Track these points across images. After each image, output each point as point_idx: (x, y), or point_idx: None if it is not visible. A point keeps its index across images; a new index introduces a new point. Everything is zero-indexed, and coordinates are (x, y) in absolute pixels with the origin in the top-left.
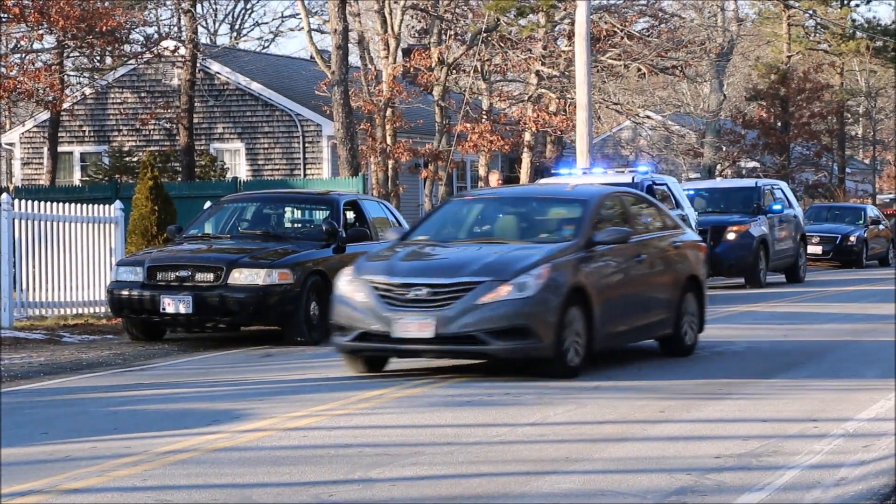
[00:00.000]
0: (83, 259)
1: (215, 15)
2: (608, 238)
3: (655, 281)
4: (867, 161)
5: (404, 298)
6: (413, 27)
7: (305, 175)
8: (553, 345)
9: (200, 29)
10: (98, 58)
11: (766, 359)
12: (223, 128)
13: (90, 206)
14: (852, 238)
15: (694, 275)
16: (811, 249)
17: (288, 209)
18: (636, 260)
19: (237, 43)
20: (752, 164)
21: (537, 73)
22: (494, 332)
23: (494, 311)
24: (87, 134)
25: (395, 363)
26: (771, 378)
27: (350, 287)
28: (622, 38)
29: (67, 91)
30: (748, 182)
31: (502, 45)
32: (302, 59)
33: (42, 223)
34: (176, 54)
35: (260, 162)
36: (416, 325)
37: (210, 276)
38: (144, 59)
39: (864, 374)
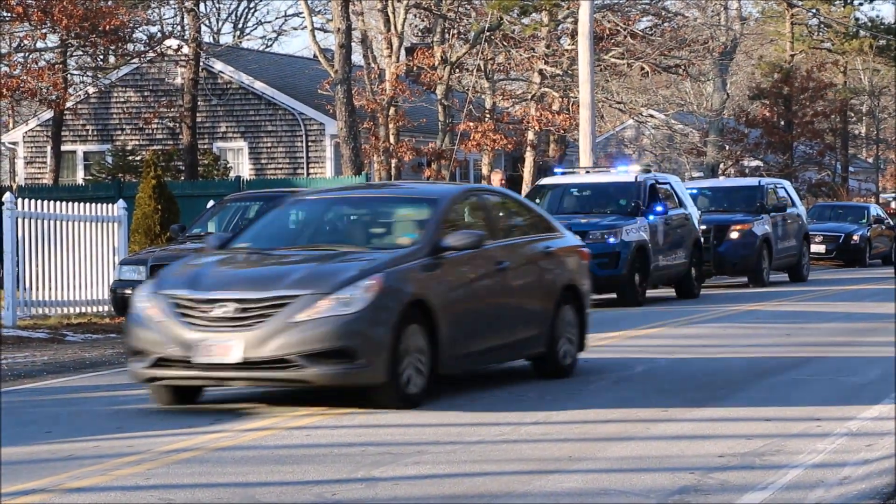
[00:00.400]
0: (86, 258)
1: (218, 14)
2: (459, 243)
3: (522, 292)
4: (870, 160)
5: (209, 317)
6: (416, 26)
7: (309, 174)
8: (385, 370)
9: (203, 28)
10: (101, 57)
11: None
12: (226, 127)
13: (93, 205)
14: (855, 237)
15: (572, 284)
16: (814, 248)
17: None
18: (497, 268)
19: (240, 42)
20: (755, 162)
21: (540, 71)
22: (312, 356)
23: (312, 330)
24: (90, 133)
25: None
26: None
27: (147, 303)
28: (625, 36)
29: (71, 90)
30: (751, 181)
31: (505, 43)
32: (305, 57)
33: (45, 222)
34: (179, 53)
35: (263, 161)
36: (220, 349)
37: None
38: (148, 58)
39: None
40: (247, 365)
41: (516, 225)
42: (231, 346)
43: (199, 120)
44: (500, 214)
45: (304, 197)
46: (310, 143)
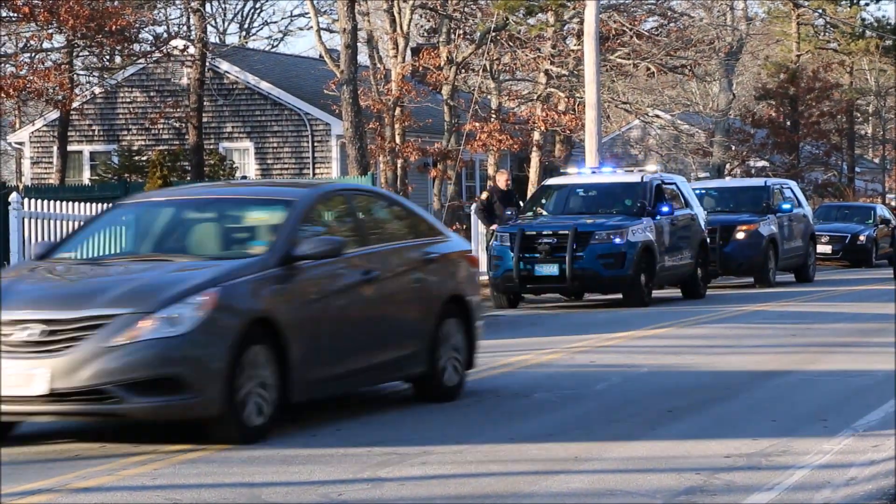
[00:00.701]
0: None
1: (224, 14)
2: (315, 250)
3: (395, 305)
4: (877, 160)
5: (10, 341)
6: (422, 26)
7: (314, 174)
8: (220, 400)
9: (209, 28)
10: (107, 57)
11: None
12: (232, 127)
13: (99, 205)
14: (862, 237)
15: (458, 295)
16: (820, 249)
17: None
18: (364, 278)
19: (246, 42)
20: (761, 163)
21: (546, 72)
22: (133, 386)
23: (132, 355)
24: (96, 133)
25: None
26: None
27: None
28: (631, 37)
29: (77, 90)
30: (757, 181)
31: (511, 44)
32: (311, 58)
33: (51, 222)
34: (185, 53)
35: (269, 161)
36: (22, 378)
37: None
38: (154, 59)
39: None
40: (54, 397)
41: (391, 228)
42: (34, 376)
43: (204, 120)
44: (372, 217)
45: (144, 198)
46: (316, 144)
